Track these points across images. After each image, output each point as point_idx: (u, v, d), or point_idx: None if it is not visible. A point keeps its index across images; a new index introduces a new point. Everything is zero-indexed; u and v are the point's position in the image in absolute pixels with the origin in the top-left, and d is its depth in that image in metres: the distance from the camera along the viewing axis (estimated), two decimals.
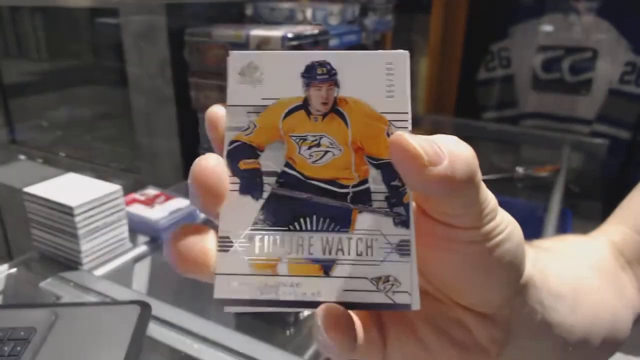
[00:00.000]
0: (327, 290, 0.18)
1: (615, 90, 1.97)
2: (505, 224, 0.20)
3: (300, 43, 1.06)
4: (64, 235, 0.73)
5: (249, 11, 1.26)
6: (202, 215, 0.91)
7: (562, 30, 2.04)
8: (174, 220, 0.85)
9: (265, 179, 0.19)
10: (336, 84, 0.19)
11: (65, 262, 0.75)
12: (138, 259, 0.81)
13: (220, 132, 0.19)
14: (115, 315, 0.61)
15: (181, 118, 1.16)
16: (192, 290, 0.98)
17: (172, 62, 1.12)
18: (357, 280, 0.18)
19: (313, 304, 0.18)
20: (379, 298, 0.18)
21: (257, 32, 1.06)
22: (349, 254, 0.18)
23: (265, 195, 0.19)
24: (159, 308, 0.64)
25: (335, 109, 0.19)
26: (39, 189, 0.74)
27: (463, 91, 2.23)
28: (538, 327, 0.24)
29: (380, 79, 0.19)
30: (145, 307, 0.62)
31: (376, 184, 0.19)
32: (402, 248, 0.18)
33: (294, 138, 0.19)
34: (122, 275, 0.78)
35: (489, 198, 0.20)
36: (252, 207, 0.19)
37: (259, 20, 1.25)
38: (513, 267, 0.21)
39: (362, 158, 0.19)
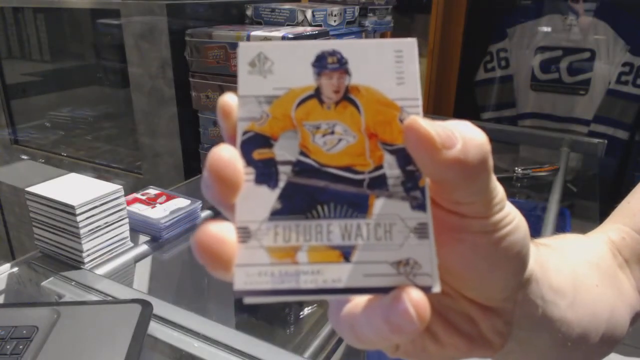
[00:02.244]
0: (347, 276, 0.18)
1: (613, 91, 1.97)
2: (513, 215, 0.21)
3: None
4: (65, 234, 0.74)
5: (249, 12, 1.26)
6: (203, 214, 0.92)
7: (560, 31, 2.05)
8: (174, 219, 0.86)
9: (281, 168, 0.19)
10: (347, 72, 0.19)
11: (67, 261, 0.76)
12: (139, 258, 0.81)
13: (232, 122, 0.19)
14: (117, 314, 0.62)
15: (182, 118, 1.17)
16: (193, 289, 0.98)
17: (173, 62, 1.13)
18: (377, 265, 0.18)
19: (334, 291, 0.18)
20: (400, 281, 0.18)
21: (258, 32, 1.06)
22: (368, 239, 0.18)
23: (281, 184, 0.19)
24: (160, 307, 0.65)
25: (347, 96, 0.19)
26: (41, 189, 0.75)
27: (462, 92, 2.23)
28: (539, 321, 0.24)
29: (390, 67, 0.19)
30: (146, 306, 0.63)
31: (391, 169, 0.19)
32: (420, 231, 0.18)
33: (308, 126, 0.19)
34: (124, 274, 0.78)
35: (498, 188, 0.20)
36: (268, 196, 0.18)
37: (259, 21, 1.26)
38: (519, 259, 0.21)
39: (376, 144, 0.19)
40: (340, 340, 0.67)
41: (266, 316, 0.89)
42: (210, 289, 0.97)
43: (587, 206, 1.23)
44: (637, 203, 0.35)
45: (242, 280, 0.18)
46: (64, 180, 0.78)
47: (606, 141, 1.38)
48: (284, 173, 0.19)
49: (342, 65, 0.19)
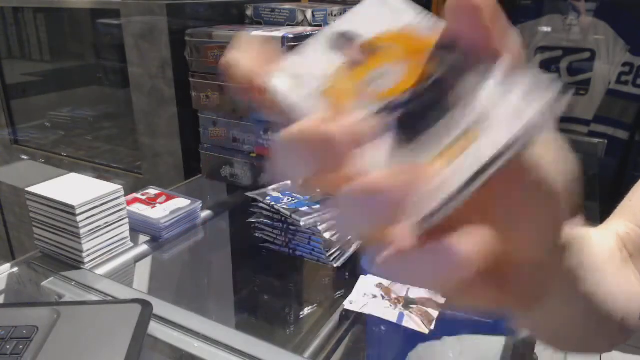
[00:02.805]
0: (490, 143, 0.18)
1: (613, 91, 1.97)
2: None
3: (301, 44, 1.07)
4: (65, 234, 0.74)
5: (249, 12, 1.26)
6: (203, 215, 0.92)
7: (560, 31, 2.05)
8: (174, 219, 0.86)
9: (377, 119, 0.19)
10: (360, 38, 0.21)
11: (67, 261, 0.76)
12: (139, 258, 0.82)
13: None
14: (117, 314, 0.62)
15: (182, 118, 1.17)
16: (193, 289, 0.98)
17: (173, 62, 1.13)
18: (508, 120, 0.18)
19: (493, 160, 0.17)
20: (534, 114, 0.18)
21: (258, 32, 1.06)
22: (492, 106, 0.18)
23: (389, 128, 0.19)
24: (159, 307, 0.65)
25: (370, 49, 0.21)
26: (41, 189, 0.75)
27: None
28: (570, 293, 0.25)
29: (387, 13, 0.21)
30: (146, 305, 0.63)
31: (450, 63, 0.19)
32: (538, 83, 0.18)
33: (364, 86, 0.20)
34: (124, 274, 0.78)
35: None
36: (385, 145, 0.19)
37: (259, 21, 1.26)
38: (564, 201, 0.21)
39: (423, 58, 0.20)
40: (340, 340, 0.67)
41: (266, 316, 0.90)
42: (210, 289, 0.98)
43: (587, 206, 1.23)
44: (638, 200, 0.35)
45: (426, 207, 0.18)
46: (64, 180, 0.78)
47: (606, 141, 1.38)
48: (385, 118, 0.19)
49: (353, 36, 0.21)
